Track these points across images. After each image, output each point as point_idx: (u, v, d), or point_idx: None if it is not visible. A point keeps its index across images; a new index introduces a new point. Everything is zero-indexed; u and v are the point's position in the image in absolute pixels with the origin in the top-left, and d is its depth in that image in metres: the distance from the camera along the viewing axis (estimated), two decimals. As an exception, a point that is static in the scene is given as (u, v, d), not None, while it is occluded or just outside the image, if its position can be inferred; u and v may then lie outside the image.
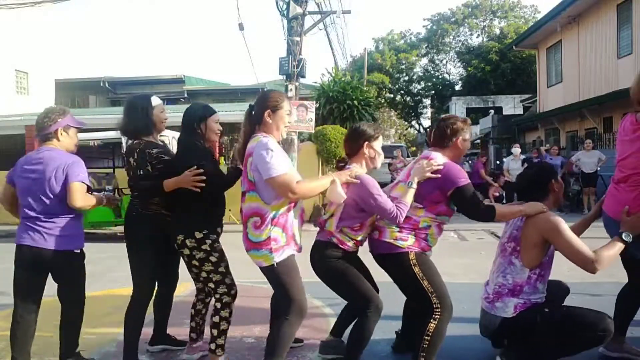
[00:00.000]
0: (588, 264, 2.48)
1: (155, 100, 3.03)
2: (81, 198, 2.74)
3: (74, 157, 2.85)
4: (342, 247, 2.77)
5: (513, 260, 2.70)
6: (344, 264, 2.77)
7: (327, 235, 2.81)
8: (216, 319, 2.81)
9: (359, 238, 2.81)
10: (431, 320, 2.63)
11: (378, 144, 2.88)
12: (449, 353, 3.06)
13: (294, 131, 10.03)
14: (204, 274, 2.81)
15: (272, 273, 2.56)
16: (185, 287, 4.69)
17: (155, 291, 3.07)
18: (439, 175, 2.70)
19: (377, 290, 2.83)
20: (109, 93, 22.32)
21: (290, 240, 2.61)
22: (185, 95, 21.48)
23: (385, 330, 3.33)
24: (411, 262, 2.69)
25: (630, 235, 2.57)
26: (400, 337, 3.20)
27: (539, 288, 2.69)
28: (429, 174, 2.70)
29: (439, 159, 2.77)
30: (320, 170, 10.78)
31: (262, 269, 2.59)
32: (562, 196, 2.81)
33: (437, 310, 2.64)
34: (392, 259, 2.77)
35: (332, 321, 3.70)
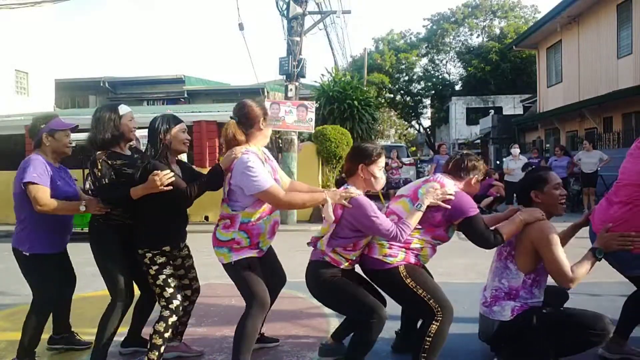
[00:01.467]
0: (565, 282, 2.55)
1: (123, 109, 2.99)
2: (36, 199, 2.80)
3: (31, 157, 2.93)
4: (335, 265, 2.75)
5: (508, 265, 2.71)
6: (340, 279, 2.73)
7: (319, 254, 2.77)
8: (152, 329, 2.77)
9: (352, 257, 2.77)
10: (433, 322, 2.62)
11: (376, 167, 2.75)
12: (449, 353, 3.05)
13: (294, 131, 10.03)
14: (151, 283, 2.81)
15: (231, 270, 2.70)
16: (185, 287, 4.70)
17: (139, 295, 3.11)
18: (449, 206, 2.66)
19: (383, 302, 2.79)
20: (109, 93, 22.31)
21: (254, 244, 2.70)
22: (185, 95, 21.49)
23: (385, 330, 3.33)
24: (402, 275, 2.67)
25: (602, 252, 2.61)
26: (400, 337, 3.20)
27: (535, 293, 2.69)
28: (440, 202, 2.66)
29: (450, 186, 2.73)
30: (320, 170, 10.77)
31: (224, 265, 2.72)
32: (557, 204, 2.75)
33: (439, 313, 2.63)
34: (382, 275, 2.75)
35: (332, 321, 3.71)
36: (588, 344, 2.59)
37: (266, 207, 2.68)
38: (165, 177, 2.60)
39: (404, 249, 2.72)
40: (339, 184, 2.95)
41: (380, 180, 2.77)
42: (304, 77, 10.61)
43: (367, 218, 2.59)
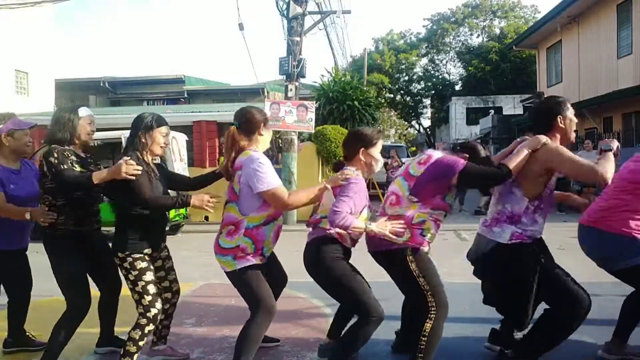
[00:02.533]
0: (596, 174, 2.54)
1: (83, 112, 2.99)
2: None
3: None
4: (340, 241, 2.75)
5: (514, 190, 2.73)
6: (341, 263, 2.74)
7: (322, 231, 2.78)
8: (127, 335, 2.74)
9: (355, 236, 2.81)
10: (427, 320, 2.63)
11: (376, 150, 2.83)
12: (449, 353, 3.06)
13: (294, 131, 10.03)
14: (130, 289, 2.78)
15: (236, 277, 2.66)
16: (185, 288, 4.70)
17: (99, 296, 3.12)
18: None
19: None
20: (109, 93, 22.30)
21: (259, 251, 2.68)
22: (185, 95, 21.46)
23: (385, 330, 3.32)
24: (407, 258, 2.68)
25: (608, 145, 2.68)
26: (401, 337, 3.20)
27: (537, 220, 2.70)
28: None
29: (436, 156, 2.76)
30: (320, 170, 10.77)
31: (227, 273, 2.68)
32: (572, 130, 2.81)
33: (433, 309, 2.64)
34: (388, 256, 2.76)
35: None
36: (561, 314, 2.65)
37: (271, 211, 2.67)
38: (132, 167, 2.57)
39: (407, 229, 2.70)
40: (337, 167, 2.94)
41: (380, 162, 2.83)
42: (304, 77, 10.61)
43: (344, 190, 2.66)
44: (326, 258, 2.72)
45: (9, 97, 16.35)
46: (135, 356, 2.72)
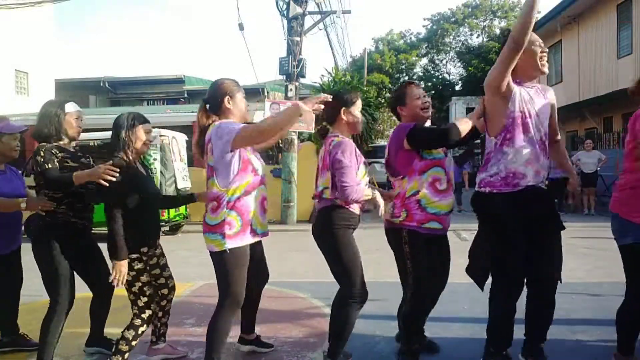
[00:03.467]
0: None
1: (70, 107, 2.99)
2: None
3: None
4: (347, 207, 2.73)
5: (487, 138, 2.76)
6: (349, 239, 2.73)
7: (328, 201, 2.75)
8: (120, 334, 2.74)
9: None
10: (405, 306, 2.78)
11: (356, 109, 2.85)
12: (448, 353, 3.06)
13: (294, 131, 10.02)
14: (126, 289, 2.76)
15: (220, 259, 2.58)
16: (185, 287, 4.69)
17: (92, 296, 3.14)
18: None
19: None
20: (109, 93, 22.33)
21: (247, 226, 2.61)
22: (185, 95, 21.48)
23: (385, 330, 3.33)
24: (403, 239, 2.74)
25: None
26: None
27: (506, 152, 2.61)
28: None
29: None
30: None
31: (212, 254, 2.62)
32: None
33: (410, 297, 2.76)
34: (390, 235, 2.87)
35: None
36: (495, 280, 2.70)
37: (249, 179, 2.60)
38: (109, 173, 2.55)
39: (404, 207, 2.73)
40: (322, 132, 2.95)
41: (361, 120, 2.87)
42: (304, 77, 10.62)
43: (338, 162, 2.64)
44: (334, 225, 2.72)
45: (9, 97, 16.36)
46: (127, 355, 2.73)
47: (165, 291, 3.00)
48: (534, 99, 2.65)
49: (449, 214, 2.79)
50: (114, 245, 2.60)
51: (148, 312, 2.74)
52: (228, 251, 2.55)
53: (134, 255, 2.70)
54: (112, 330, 3.61)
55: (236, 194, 2.57)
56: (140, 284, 2.72)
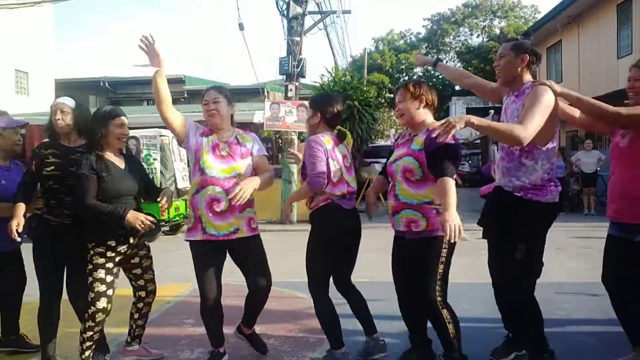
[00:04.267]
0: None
1: (54, 100, 2.98)
2: None
3: None
4: (338, 203, 2.79)
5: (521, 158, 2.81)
6: (323, 244, 2.77)
7: (319, 199, 2.83)
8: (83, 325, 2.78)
9: (339, 192, 2.82)
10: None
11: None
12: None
13: (294, 131, 10.03)
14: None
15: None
16: (185, 287, 4.69)
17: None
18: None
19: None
20: (109, 93, 22.32)
21: (198, 223, 2.72)
22: (185, 95, 21.47)
23: (385, 329, 3.33)
24: (441, 246, 2.77)
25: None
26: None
27: (525, 164, 2.77)
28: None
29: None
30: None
31: None
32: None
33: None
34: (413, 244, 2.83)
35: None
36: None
37: (199, 179, 2.75)
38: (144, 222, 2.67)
39: (420, 214, 2.67)
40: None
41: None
42: (304, 77, 10.62)
43: (307, 158, 2.86)
44: (321, 219, 2.80)
45: (9, 97, 16.36)
46: (85, 346, 2.75)
47: (142, 293, 2.98)
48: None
49: None
50: (108, 216, 2.64)
51: (93, 308, 2.71)
52: (187, 241, 2.76)
53: (99, 249, 2.70)
54: (112, 330, 3.62)
55: (192, 191, 2.79)
56: (91, 279, 2.71)
